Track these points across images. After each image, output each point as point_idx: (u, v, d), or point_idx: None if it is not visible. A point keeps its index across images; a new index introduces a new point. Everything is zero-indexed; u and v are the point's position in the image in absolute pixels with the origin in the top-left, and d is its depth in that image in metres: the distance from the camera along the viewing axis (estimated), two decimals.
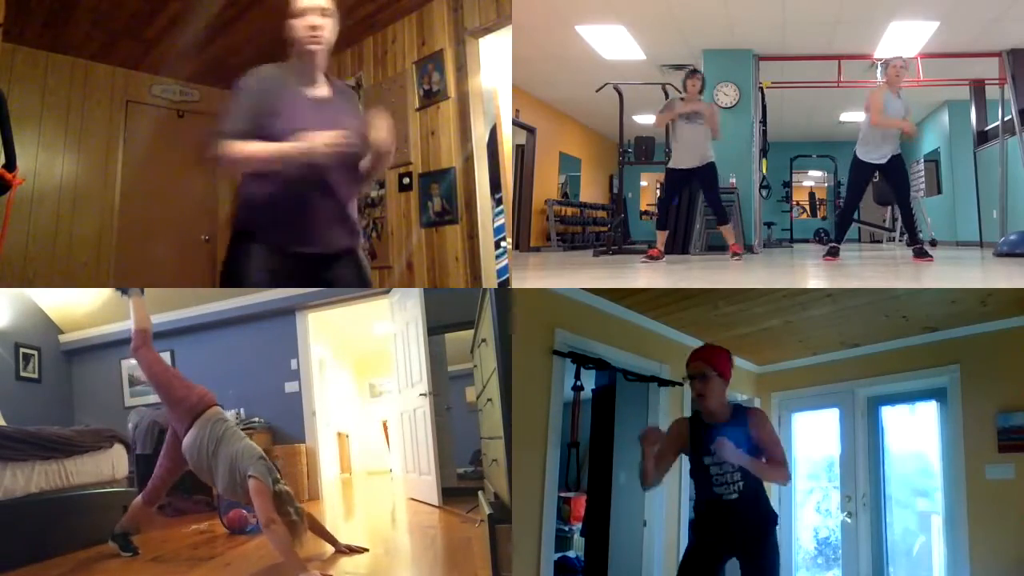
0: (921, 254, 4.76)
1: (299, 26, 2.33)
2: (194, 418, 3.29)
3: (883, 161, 4.77)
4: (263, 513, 2.90)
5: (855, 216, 5.44)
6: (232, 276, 2.36)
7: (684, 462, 3.91)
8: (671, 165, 5.37)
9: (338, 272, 2.46)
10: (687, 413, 3.94)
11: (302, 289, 5.59)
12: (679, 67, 7.67)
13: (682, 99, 5.35)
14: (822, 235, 10.77)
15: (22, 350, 6.16)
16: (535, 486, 2.73)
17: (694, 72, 5.38)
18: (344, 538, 3.43)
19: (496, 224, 4.78)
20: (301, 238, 2.35)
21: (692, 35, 6.79)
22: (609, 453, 3.88)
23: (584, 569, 3.96)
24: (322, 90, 2.42)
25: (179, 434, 3.35)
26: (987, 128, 7.57)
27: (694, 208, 7.09)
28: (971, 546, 3.21)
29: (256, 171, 2.30)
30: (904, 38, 6.56)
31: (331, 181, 2.34)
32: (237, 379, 6.15)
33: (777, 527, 2.48)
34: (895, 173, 4.83)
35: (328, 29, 2.37)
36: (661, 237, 5.50)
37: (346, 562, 3.17)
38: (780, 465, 2.40)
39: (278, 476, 3.10)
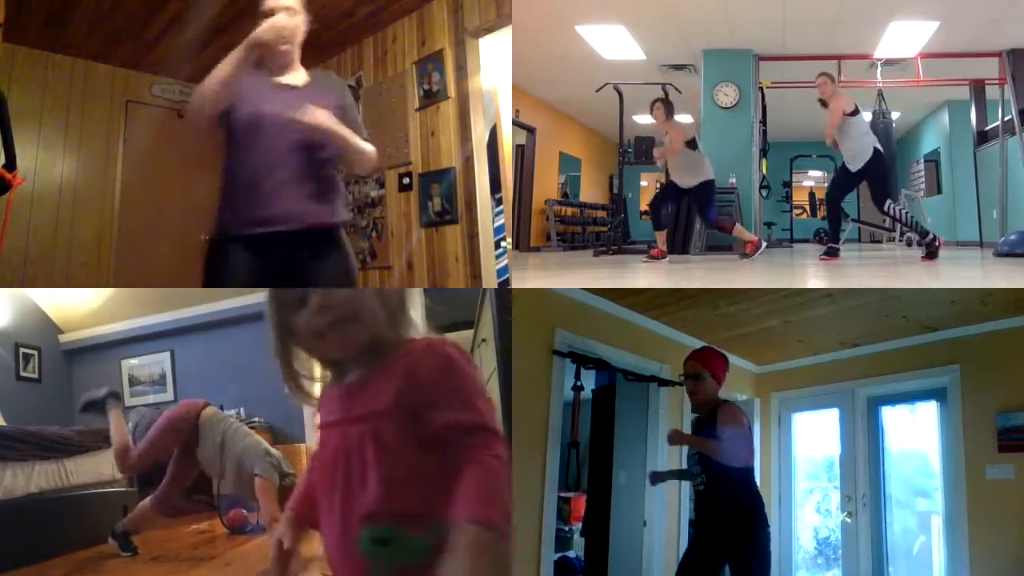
0: (931, 255, 4.71)
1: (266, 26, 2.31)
2: (193, 428, 3.29)
3: (860, 166, 4.81)
4: (267, 511, 2.91)
5: (856, 217, 5.46)
6: (211, 277, 2.35)
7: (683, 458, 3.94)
8: (670, 178, 5.57)
9: (315, 252, 2.37)
10: (688, 413, 3.96)
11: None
12: (679, 67, 7.69)
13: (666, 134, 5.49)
14: (822, 235, 10.76)
15: (22, 350, 6.16)
16: (535, 486, 2.73)
17: (654, 101, 5.51)
18: None
19: (496, 224, 4.78)
20: (271, 216, 2.27)
21: (692, 35, 6.79)
22: (609, 453, 3.88)
23: (584, 569, 3.96)
24: (294, 79, 2.41)
25: (189, 445, 3.35)
26: (987, 128, 7.57)
27: (694, 209, 7.09)
28: (971, 546, 3.21)
29: (221, 96, 2.24)
30: (904, 38, 6.57)
31: (297, 149, 2.29)
32: (237, 379, 6.13)
33: (765, 531, 2.48)
34: (869, 175, 4.86)
35: (295, 29, 2.36)
36: (660, 237, 5.58)
37: None
38: (715, 440, 2.46)
39: (286, 469, 3.10)
